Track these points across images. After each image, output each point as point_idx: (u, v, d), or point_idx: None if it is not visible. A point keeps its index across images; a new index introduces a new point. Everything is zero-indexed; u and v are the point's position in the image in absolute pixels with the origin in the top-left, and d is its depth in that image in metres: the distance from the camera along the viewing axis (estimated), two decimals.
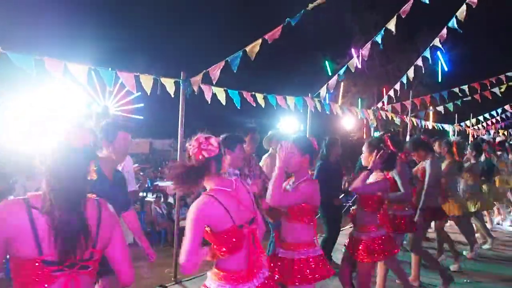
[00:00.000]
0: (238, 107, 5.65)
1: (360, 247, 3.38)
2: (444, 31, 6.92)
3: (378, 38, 6.24)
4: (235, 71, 4.90)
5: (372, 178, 3.40)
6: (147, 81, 4.61)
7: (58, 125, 1.58)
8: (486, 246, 6.22)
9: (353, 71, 7.03)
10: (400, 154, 3.99)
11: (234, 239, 2.04)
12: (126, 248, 1.73)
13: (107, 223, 1.64)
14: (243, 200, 2.14)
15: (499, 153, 7.68)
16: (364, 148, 3.58)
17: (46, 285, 1.47)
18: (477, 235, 6.35)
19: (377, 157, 3.35)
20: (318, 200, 2.82)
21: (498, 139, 9.85)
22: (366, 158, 3.54)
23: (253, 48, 4.83)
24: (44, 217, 1.48)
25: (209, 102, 5.28)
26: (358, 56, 6.92)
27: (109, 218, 1.67)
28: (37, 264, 1.45)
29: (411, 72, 8.34)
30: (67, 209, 1.50)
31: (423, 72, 9.04)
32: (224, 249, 2.03)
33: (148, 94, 4.71)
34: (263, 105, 6.16)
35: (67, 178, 1.52)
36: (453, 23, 6.58)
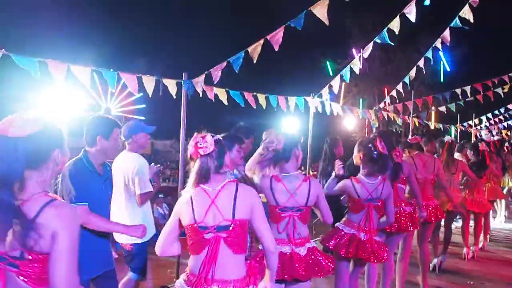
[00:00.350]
0: (242, 106, 5.66)
1: (334, 237, 3.39)
2: (447, 31, 6.90)
3: (382, 38, 6.20)
4: (237, 71, 4.90)
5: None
6: (149, 82, 4.62)
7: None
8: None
9: (357, 73, 7.00)
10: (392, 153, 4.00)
11: (192, 238, 2.09)
12: (67, 265, 1.45)
13: (47, 225, 1.43)
14: (220, 204, 2.08)
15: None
16: (355, 147, 3.54)
17: None
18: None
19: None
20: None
21: (496, 138, 9.82)
22: (356, 157, 3.52)
23: (255, 49, 4.81)
24: None
25: (213, 101, 5.29)
26: (359, 57, 6.90)
27: (52, 220, 1.44)
28: None
29: (413, 73, 8.31)
30: None
31: (424, 72, 8.98)
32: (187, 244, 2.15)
33: (150, 96, 4.72)
34: (264, 106, 6.17)
35: None
36: (456, 23, 6.56)
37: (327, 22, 4.60)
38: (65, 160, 1.63)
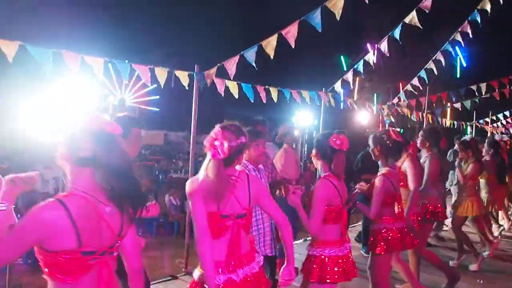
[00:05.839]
0: (252, 101, 5.66)
1: None
2: (466, 25, 6.79)
3: (396, 34, 6.12)
4: (255, 67, 4.88)
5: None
6: (161, 73, 4.66)
7: (79, 116, 1.65)
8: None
9: (373, 68, 6.95)
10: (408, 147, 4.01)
11: (215, 225, 2.15)
12: None
13: None
14: (236, 194, 2.20)
15: None
16: (370, 142, 3.54)
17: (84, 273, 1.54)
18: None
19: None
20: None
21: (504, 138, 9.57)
22: (373, 152, 3.53)
23: (269, 43, 4.76)
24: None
25: (223, 96, 5.30)
26: (374, 51, 6.83)
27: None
28: (77, 255, 1.51)
29: (431, 67, 8.17)
30: None
31: (444, 65, 8.79)
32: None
33: (162, 87, 4.76)
34: (275, 100, 6.15)
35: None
36: (474, 15, 6.45)
37: (338, 17, 4.58)
38: None
